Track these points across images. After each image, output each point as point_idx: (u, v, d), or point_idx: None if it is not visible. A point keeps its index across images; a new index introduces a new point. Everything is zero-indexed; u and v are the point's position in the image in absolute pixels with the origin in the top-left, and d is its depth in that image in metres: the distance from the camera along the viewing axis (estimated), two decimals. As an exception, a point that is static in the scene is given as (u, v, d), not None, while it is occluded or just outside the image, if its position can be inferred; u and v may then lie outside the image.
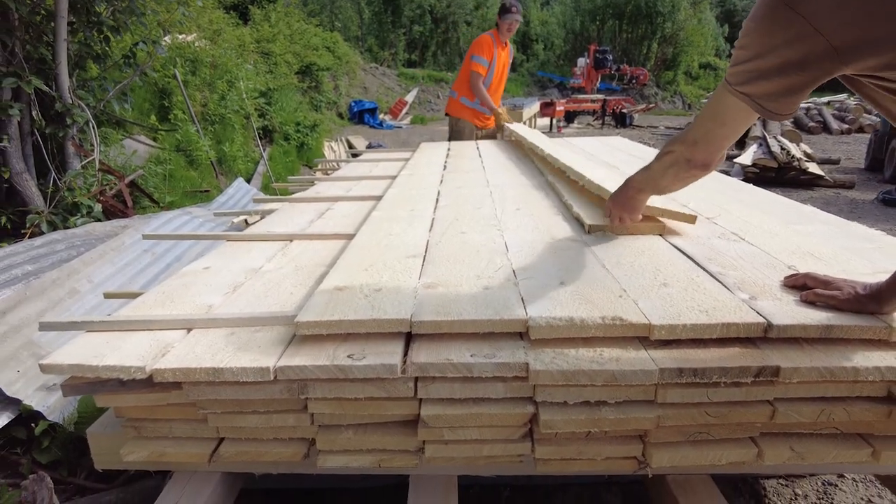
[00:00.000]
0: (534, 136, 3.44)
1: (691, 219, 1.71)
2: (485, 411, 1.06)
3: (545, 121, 13.19)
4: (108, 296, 2.00)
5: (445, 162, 3.20)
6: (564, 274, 1.34)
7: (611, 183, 1.79)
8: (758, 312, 1.11)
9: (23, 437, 1.97)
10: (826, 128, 12.57)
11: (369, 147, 8.18)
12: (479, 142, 4.40)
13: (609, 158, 3.09)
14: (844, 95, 19.84)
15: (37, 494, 1.72)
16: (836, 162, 8.10)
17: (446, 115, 5.24)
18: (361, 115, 14.32)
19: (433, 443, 1.12)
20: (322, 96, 12.22)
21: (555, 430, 1.06)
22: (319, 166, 7.86)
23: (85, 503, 1.81)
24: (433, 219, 1.90)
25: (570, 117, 14.75)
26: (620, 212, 1.65)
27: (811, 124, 12.52)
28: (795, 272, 1.31)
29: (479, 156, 3.42)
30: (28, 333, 2.11)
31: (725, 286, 1.26)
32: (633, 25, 24.75)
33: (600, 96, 15.79)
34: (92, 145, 3.79)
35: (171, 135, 5.35)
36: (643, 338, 1.10)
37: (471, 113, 4.89)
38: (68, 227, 3.38)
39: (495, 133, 5.05)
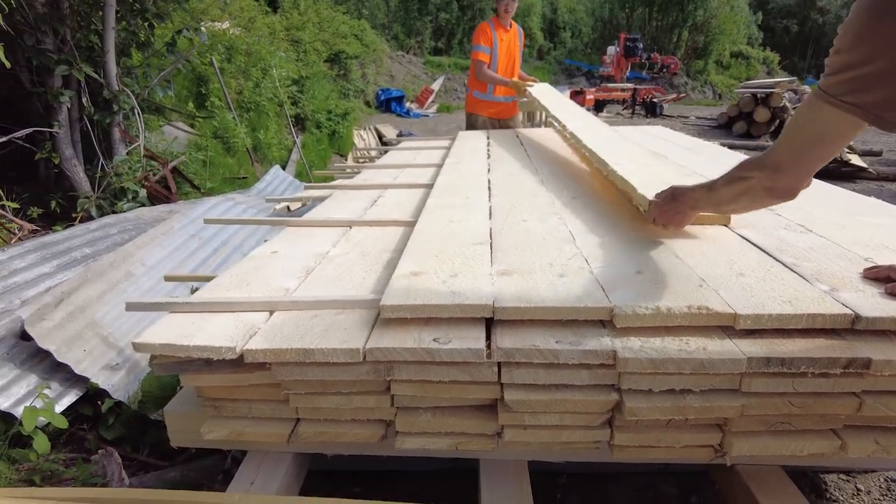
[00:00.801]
0: (579, 126, 3.41)
1: (726, 220, 1.65)
2: (568, 397, 1.07)
3: (574, 110, 13.03)
4: (168, 279, 2.04)
5: (488, 150, 3.19)
6: (638, 262, 1.33)
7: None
8: (843, 304, 1.10)
9: (89, 413, 2.04)
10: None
11: (399, 136, 8.20)
12: (518, 130, 4.37)
13: (657, 149, 3.05)
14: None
15: (107, 469, 1.79)
16: (879, 154, 7.88)
17: (465, 111, 5.12)
18: (388, 104, 14.32)
19: (513, 427, 1.13)
20: (350, 84, 12.26)
21: (639, 418, 1.06)
22: (352, 156, 7.93)
23: (150, 479, 1.87)
24: (490, 206, 1.90)
25: (599, 106, 14.56)
26: (667, 223, 1.52)
27: (849, 115, 12.15)
28: (874, 265, 1.28)
29: (521, 144, 3.40)
30: (91, 314, 2.17)
31: (803, 277, 1.24)
32: (664, 13, 24.24)
33: (630, 85, 15.55)
34: (137, 132, 3.87)
35: (209, 122, 5.43)
36: (727, 327, 1.09)
37: (483, 105, 4.76)
38: (116, 212, 3.47)
39: (509, 125, 4.84)
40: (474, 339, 1.07)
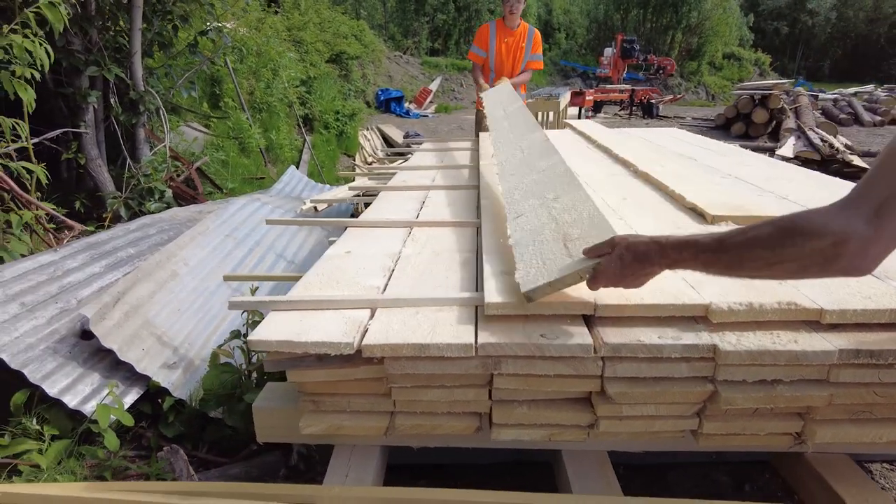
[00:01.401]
0: (601, 134, 3.49)
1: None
2: (667, 389, 1.13)
3: (574, 110, 13.16)
4: (227, 278, 2.10)
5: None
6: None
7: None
8: (920, 299, 1.17)
9: (148, 411, 2.08)
10: (857, 119, 12.43)
11: (407, 137, 8.23)
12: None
13: (682, 151, 3.13)
14: (872, 86, 19.53)
15: (174, 465, 1.83)
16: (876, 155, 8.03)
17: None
18: (388, 104, 14.36)
19: (609, 418, 1.20)
20: (352, 85, 12.27)
21: (734, 407, 1.12)
22: (359, 157, 7.96)
23: (215, 475, 1.91)
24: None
25: (597, 107, 14.70)
26: (616, 283, 1.12)
27: (842, 116, 12.38)
28: None
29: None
30: (144, 313, 2.21)
31: (874, 275, 1.31)
32: (658, 14, 24.49)
33: (628, 86, 15.70)
34: (161, 132, 3.89)
35: (223, 122, 5.45)
36: (812, 322, 1.16)
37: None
38: (143, 211, 3.49)
39: None
40: (580, 335, 1.13)
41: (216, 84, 5.72)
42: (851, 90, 16.45)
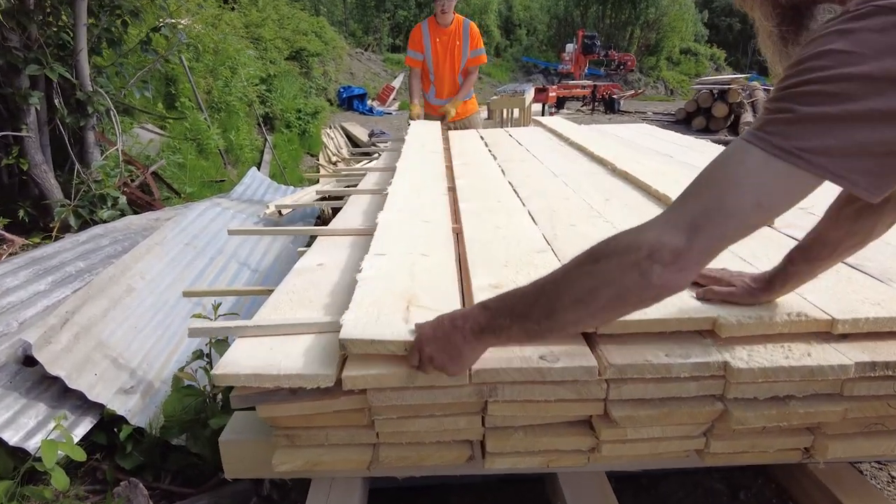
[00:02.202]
0: (573, 132, 3.43)
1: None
2: (675, 410, 1.05)
3: (537, 107, 13.17)
4: (186, 294, 1.94)
5: (488, 149, 3.16)
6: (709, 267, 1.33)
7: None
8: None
9: (103, 442, 1.91)
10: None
11: (372, 135, 8.06)
12: (510, 129, 4.37)
13: (656, 148, 3.09)
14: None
15: (133, 501, 1.67)
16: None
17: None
18: (350, 102, 14.10)
19: (612, 442, 1.11)
20: (313, 83, 11.99)
21: (746, 426, 1.05)
22: (322, 156, 7.75)
23: (180, 508, 1.76)
24: (528, 210, 1.87)
25: (560, 103, 14.77)
26: (438, 364, 0.97)
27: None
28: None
29: (520, 144, 3.39)
30: (97, 334, 2.03)
31: (876, 278, 1.27)
32: (617, 10, 24.82)
33: (590, 82, 15.84)
34: (112, 134, 3.65)
35: (180, 123, 5.20)
36: (823, 333, 1.10)
37: (432, 108, 4.65)
38: (95, 220, 3.27)
39: (468, 125, 4.67)
40: (584, 357, 1.04)
41: (171, 83, 5.45)
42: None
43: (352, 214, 2.08)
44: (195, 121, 5.22)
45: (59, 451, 1.61)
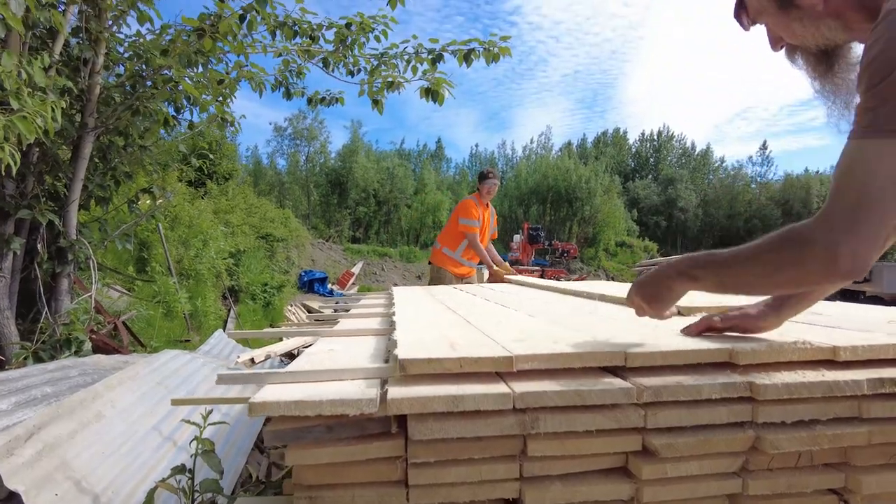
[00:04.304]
0: (543, 282, 3.68)
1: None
2: (710, 438, 1.07)
3: (492, 287, 13.85)
4: (175, 402, 1.83)
5: (474, 294, 3.33)
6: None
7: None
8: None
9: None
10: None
11: (337, 303, 8.17)
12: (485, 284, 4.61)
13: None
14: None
15: None
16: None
17: (429, 263, 5.55)
18: (311, 285, 14.46)
19: (652, 483, 1.08)
20: (276, 266, 12.37)
21: (780, 451, 1.07)
22: (285, 327, 7.71)
23: None
24: (518, 311, 1.97)
25: (512, 286, 15.56)
26: (645, 304, 1.27)
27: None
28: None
29: (493, 289, 3.57)
30: (62, 453, 1.84)
31: (859, 330, 1.40)
32: (556, 208, 27.77)
33: (538, 268, 16.96)
34: (89, 283, 3.64)
35: (149, 286, 5.21)
36: (827, 361, 1.19)
37: (451, 263, 5.33)
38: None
39: (469, 282, 5.43)
40: (618, 383, 1.07)
41: (145, 248, 5.58)
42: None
43: (352, 326, 2.11)
44: (165, 284, 5.26)
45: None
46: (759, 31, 1.20)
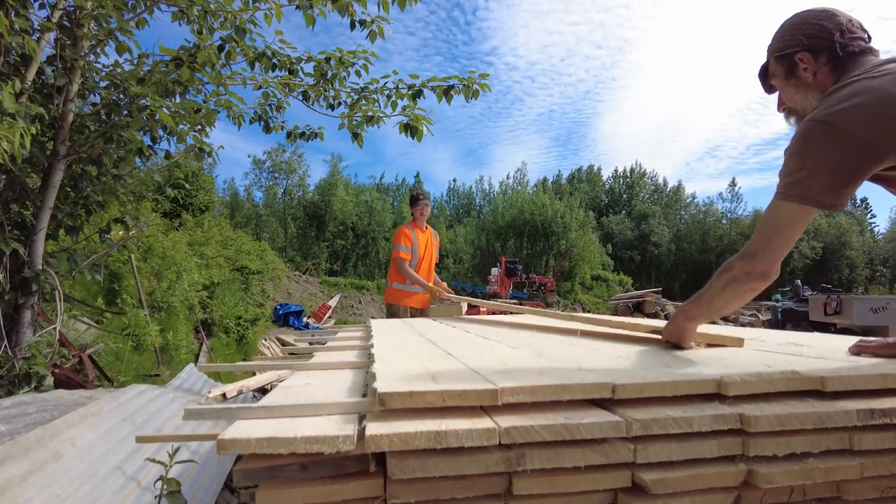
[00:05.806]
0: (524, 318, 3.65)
1: (740, 342, 1.86)
2: (702, 472, 1.03)
3: (471, 321, 13.77)
4: (140, 439, 1.73)
5: (455, 326, 3.28)
6: (668, 360, 1.41)
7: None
8: None
9: None
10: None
11: (313, 344, 8.02)
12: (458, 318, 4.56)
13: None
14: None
15: None
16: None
17: (385, 302, 5.44)
18: (286, 318, 14.19)
19: (645, 522, 1.04)
20: (251, 299, 12.14)
21: (774, 484, 1.04)
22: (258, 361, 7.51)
23: None
24: (500, 343, 1.93)
25: (491, 319, 15.49)
26: (672, 341, 1.67)
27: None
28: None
29: (471, 321, 3.53)
30: (13, 497, 1.71)
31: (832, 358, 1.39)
32: (533, 242, 27.98)
33: (515, 301, 16.94)
34: (54, 315, 3.49)
35: (119, 318, 5.04)
36: (814, 392, 1.17)
37: (402, 295, 5.17)
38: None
39: (426, 314, 5.32)
40: (606, 415, 1.04)
41: (116, 280, 5.42)
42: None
43: (328, 359, 2.04)
44: (135, 316, 5.09)
45: None
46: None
